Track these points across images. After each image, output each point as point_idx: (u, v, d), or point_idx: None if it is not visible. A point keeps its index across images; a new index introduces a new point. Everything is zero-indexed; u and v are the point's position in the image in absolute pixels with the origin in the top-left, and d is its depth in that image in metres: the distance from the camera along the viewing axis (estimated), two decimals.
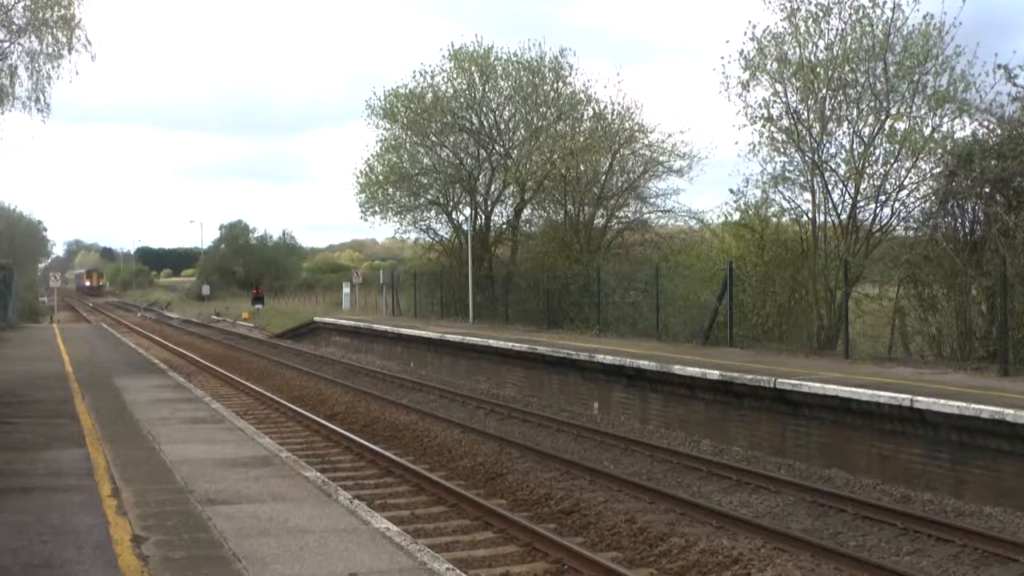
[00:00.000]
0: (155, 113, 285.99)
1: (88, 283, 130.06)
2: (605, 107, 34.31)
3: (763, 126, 22.69)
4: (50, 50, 26.09)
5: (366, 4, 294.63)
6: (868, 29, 21.56)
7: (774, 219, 23.82)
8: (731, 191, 23.73)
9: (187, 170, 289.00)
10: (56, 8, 25.99)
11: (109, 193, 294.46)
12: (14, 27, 25.88)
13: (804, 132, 22.44)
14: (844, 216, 22.19)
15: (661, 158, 33.45)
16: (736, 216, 24.37)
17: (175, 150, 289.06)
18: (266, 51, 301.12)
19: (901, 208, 21.99)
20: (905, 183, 21.79)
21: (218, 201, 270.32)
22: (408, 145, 37.19)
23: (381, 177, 36.95)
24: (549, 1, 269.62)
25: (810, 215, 22.68)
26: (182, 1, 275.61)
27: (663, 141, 33.28)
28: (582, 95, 35.19)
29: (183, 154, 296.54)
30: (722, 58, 24.27)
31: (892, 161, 21.77)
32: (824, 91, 22.00)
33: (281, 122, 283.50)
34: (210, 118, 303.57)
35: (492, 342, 23.99)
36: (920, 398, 12.61)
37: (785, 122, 22.57)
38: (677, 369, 17.18)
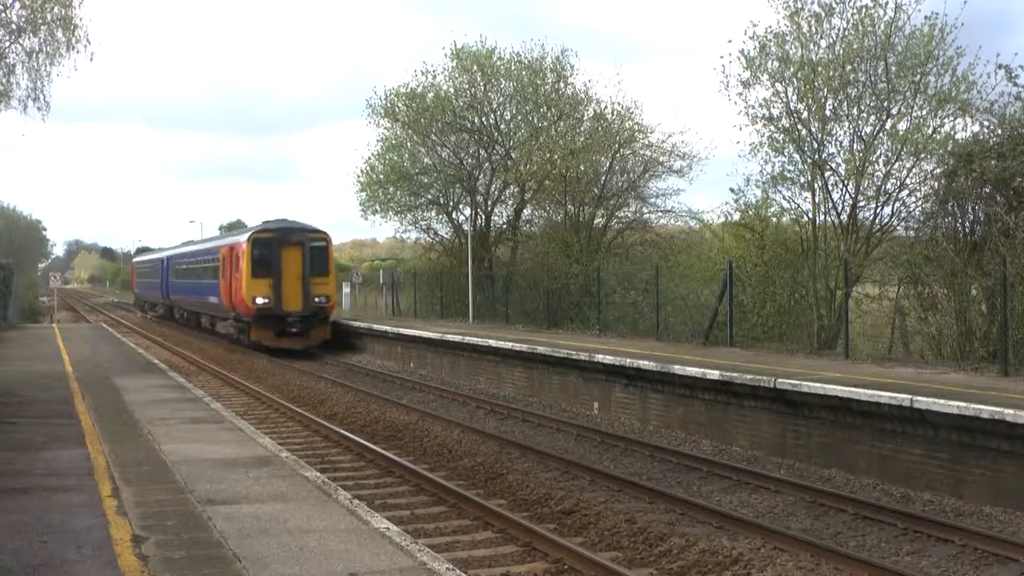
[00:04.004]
0: (152, 113, 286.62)
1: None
2: (605, 107, 34.44)
3: (763, 126, 22.72)
4: (49, 49, 26.08)
5: (363, 4, 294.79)
6: (870, 29, 21.60)
7: (774, 219, 23.86)
8: (731, 191, 23.82)
9: (186, 171, 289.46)
10: (56, 7, 25.98)
11: (108, 193, 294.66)
12: (12, 26, 25.87)
13: (804, 132, 22.44)
14: (844, 216, 22.21)
15: (661, 158, 33.56)
16: (736, 216, 24.44)
17: (174, 150, 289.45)
18: (263, 52, 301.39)
19: (902, 208, 22.06)
20: (906, 183, 21.85)
21: (218, 201, 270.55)
22: (409, 145, 37.22)
23: (382, 176, 36.98)
24: (546, 1, 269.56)
25: (810, 215, 22.70)
26: (178, 2, 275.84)
27: (663, 141, 33.40)
28: (583, 95, 35.27)
29: (182, 154, 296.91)
30: (722, 57, 24.32)
31: (893, 161, 21.80)
32: (825, 91, 22.01)
33: (279, 122, 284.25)
34: (206, 118, 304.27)
35: (492, 342, 23.98)
36: (920, 398, 12.60)
37: (785, 122, 22.58)
38: (677, 369, 17.17)
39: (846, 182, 22.25)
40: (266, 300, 31.95)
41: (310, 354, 32.24)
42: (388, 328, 31.84)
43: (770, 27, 22.49)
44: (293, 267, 32.42)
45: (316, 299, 32.49)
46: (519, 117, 36.31)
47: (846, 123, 22.34)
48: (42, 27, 25.98)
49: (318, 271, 32.83)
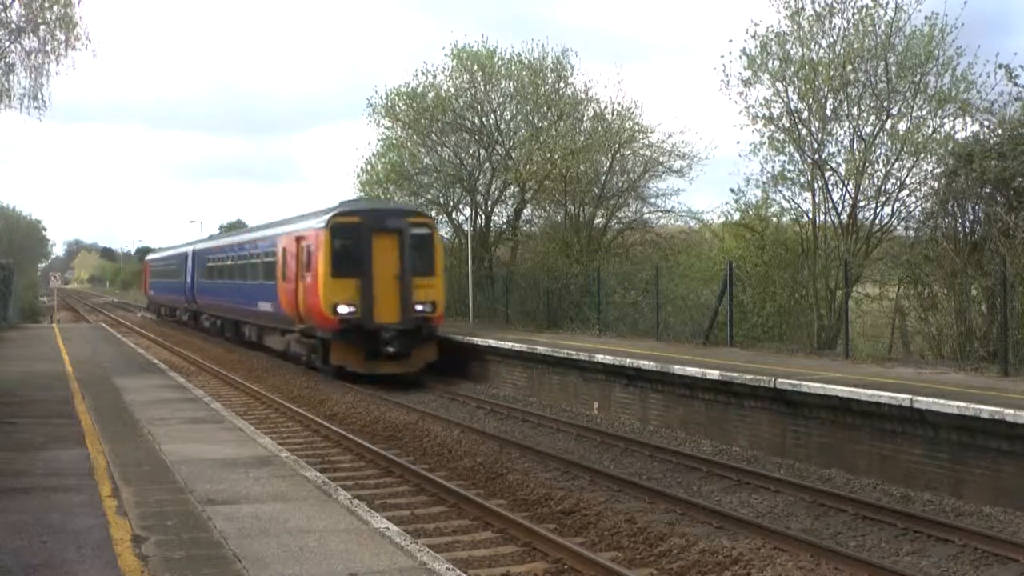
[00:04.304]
0: (152, 113, 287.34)
1: None
2: (605, 107, 34.34)
3: (764, 125, 22.73)
4: (48, 48, 26.10)
5: (363, 4, 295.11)
6: (870, 29, 21.62)
7: (774, 219, 23.87)
8: (731, 191, 23.85)
9: (186, 171, 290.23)
10: (55, 7, 26.00)
11: (108, 193, 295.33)
12: (12, 26, 25.89)
13: (805, 131, 22.45)
14: (844, 216, 22.22)
15: (661, 158, 33.49)
16: (736, 216, 24.47)
17: (174, 150, 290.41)
18: (263, 52, 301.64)
19: (902, 208, 22.07)
20: (906, 183, 21.87)
21: (217, 201, 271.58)
22: (409, 144, 37.18)
23: (381, 176, 36.97)
24: (546, 1, 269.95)
25: (810, 215, 22.71)
26: (178, 2, 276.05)
27: (663, 141, 33.33)
28: (583, 95, 35.23)
29: (182, 154, 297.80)
30: (722, 57, 24.31)
31: (893, 161, 21.82)
32: (825, 90, 22.02)
33: (279, 122, 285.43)
34: (206, 118, 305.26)
35: (492, 342, 23.98)
36: (920, 398, 12.60)
37: (786, 121, 22.59)
38: (677, 369, 17.17)
39: (846, 182, 22.27)
40: (351, 309, 23.48)
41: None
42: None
43: (771, 26, 22.55)
44: (388, 263, 23.68)
45: (418, 307, 23.87)
46: (519, 117, 36.26)
47: (846, 123, 22.37)
48: (41, 26, 26.01)
49: (422, 269, 24.15)
